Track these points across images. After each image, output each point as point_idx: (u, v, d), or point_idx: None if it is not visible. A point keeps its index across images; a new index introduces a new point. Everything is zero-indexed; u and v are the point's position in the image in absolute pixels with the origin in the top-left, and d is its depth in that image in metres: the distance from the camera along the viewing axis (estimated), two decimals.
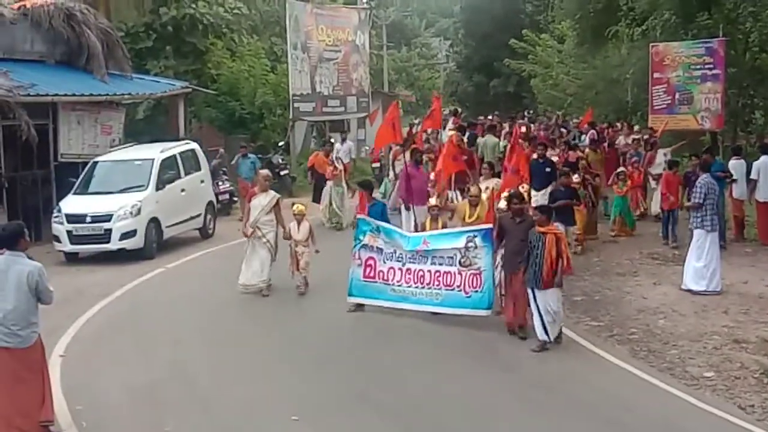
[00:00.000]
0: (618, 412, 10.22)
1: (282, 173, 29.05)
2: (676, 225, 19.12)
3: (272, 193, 15.94)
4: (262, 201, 15.70)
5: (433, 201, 14.83)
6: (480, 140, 23.94)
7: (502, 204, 14.06)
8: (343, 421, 9.93)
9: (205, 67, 32.17)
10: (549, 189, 18.60)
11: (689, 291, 15.20)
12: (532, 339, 12.45)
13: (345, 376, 11.42)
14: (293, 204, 16.09)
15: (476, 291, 13.14)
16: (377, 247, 14.04)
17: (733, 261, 17.12)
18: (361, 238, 14.20)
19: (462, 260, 13.24)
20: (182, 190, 20.67)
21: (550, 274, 11.97)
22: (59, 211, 19.53)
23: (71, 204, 19.59)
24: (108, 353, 12.62)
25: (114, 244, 18.93)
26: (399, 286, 13.81)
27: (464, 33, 55.49)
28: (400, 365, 11.85)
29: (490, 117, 34.80)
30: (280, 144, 32.22)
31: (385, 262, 13.95)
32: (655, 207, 21.17)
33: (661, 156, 22.33)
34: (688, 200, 16.48)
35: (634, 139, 24.02)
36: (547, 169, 19.23)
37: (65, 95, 22.04)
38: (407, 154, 18.82)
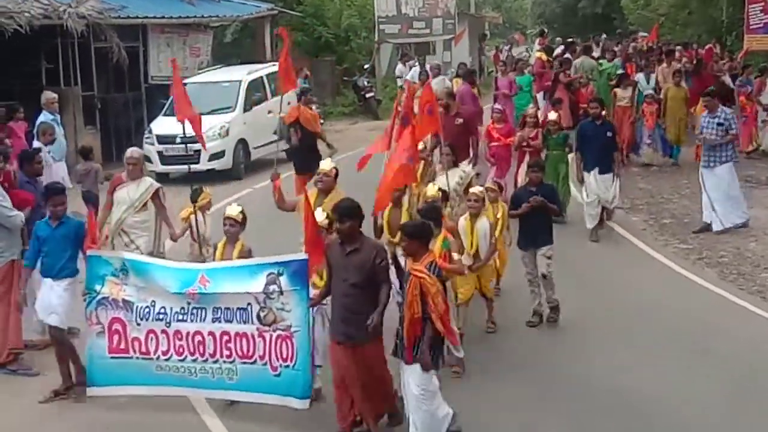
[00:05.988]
0: (707, 336, 10.13)
1: (368, 96, 29.33)
2: None
3: (148, 181, 11.20)
4: (131, 193, 10.77)
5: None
6: (576, 62, 21.91)
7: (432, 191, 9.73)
8: None
9: None
10: (611, 173, 13.96)
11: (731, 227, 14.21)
12: None
13: None
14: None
15: (287, 366, 8.11)
16: (124, 300, 8.63)
17: None
18: (97, 288, 8.70)
19: (261, 314, 8.19)
20: (269, 112, 20.78)
21: (411, 341, 7.30)
22: (150, 132, 19.95)
23: (161, 125, 19.86)
24: None
25: (203, 165, 19.11)
26: (167, 360, 8.52)
27: None
28: None
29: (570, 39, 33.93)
30: (366, 67, 32.17)
31: (138, 324, 8.57)
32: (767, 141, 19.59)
33: None
34: None
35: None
36: (608, 134, 14.07)
37: (154, 17, 22.35)
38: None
